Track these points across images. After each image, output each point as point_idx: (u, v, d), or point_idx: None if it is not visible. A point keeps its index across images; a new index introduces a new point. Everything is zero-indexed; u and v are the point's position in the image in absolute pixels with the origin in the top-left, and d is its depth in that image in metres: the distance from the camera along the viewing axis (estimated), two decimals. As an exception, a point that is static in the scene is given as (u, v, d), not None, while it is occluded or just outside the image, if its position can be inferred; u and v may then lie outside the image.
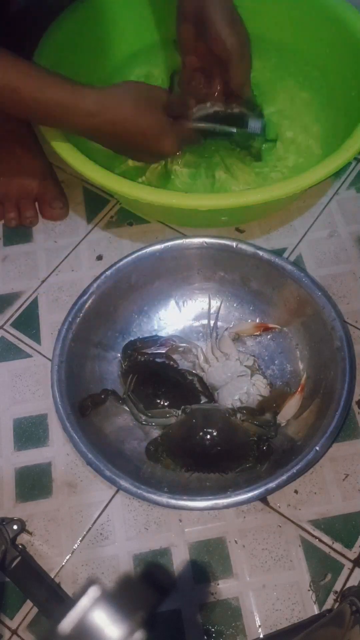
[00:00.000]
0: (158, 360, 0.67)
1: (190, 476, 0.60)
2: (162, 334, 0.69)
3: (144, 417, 0.62)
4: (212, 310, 0.70)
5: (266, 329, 0.67)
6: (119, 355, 0.67)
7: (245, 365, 0.65)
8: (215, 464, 0.60)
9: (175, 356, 0.68)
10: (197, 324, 0.71)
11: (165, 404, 0.63)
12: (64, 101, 0.61)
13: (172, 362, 0.67)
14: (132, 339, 0.68)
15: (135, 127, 0.65)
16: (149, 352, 0.67)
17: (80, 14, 0.79)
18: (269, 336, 0.69)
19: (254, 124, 0.74)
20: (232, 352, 0.66)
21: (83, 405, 0.61)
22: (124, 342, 0.69)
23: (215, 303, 0.71)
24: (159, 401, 0.63)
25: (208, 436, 0.59)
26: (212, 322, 0.69)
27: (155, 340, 0.68)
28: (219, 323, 0.70)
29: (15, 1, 0.75)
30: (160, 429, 0.63)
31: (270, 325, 0.67)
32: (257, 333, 0.68)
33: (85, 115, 0.62)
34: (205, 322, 0.70)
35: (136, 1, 0.84)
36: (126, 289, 0.68)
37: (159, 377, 0.65)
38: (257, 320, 0.70)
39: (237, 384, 0.64)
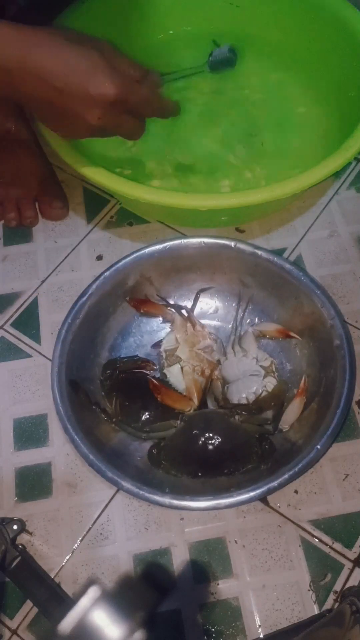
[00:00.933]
0: (136, 371, 0.66)
1: (196, 481, 0.60)
2: (162, 334, 0.69)
3: (143, 435, 0.62)
4: (240, 308, 0.70)
5: (287, 336, 0.67)
6: (108, 371, 0.66)
7: (260, 365, 0.65)
8: (221, 468, 0.60)
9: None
10: (196, 324, 0.71)
11: (156, 415, 0.62)
12: None
13: (150, 372, 0.66)
14: (112, 358, 0.67)
15: (51, 64, 0.50)
16: (126, 360, 0.67)
17: (79, 15, 0.79)
18: (267, 335, 0.68)
19: (217, 52, 0.80)
20: (251, 349, 0.66)
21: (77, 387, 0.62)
22: (123, 343, 0.69)
23: (214, 303, 0.71)
24: (148, 414, 0.62)
25: (211, 441, 0.59)
26: (239, 317, 0.69)
27: (135, 360, 0.67)
28: (217, 323, 0.70)
29: (15, 1, 0.75)
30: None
31: (292, 334, 0.66)
32: (278, 337, 0.68)
33: None
34: (204, 322, 0.70)
35: (136, 1, 0.84)
36: (126, 289, 0.68)
37: (142, 390, 0.63)
38: (257, 320, 0.70)
39: (247, 383, 0.64)
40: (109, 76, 0.52)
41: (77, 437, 0.58)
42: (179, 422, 0.61)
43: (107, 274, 0.66)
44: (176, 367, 0.65)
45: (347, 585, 0.58)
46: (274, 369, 0.65)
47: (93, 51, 0.52)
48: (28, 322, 0.74)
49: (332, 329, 0.62)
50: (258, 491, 0.55)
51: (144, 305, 0.69)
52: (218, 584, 0.58)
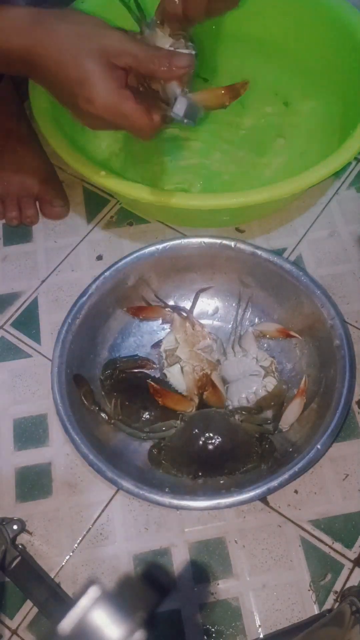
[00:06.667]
0: (136, 371, 0.66)
1: (196, 481, 0.60)
2: (162, 334, 0.69)
3: (143, 435, 0.62)
4: (240, 308, 0.70)
5: (288, 336, 0.67)
6: (107, 371, 0.66)
7: (261, 365, 0.65)
8: (221, 468, 0.60)
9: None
10: (196, 323, 0.71)
11: (156, 415, 0.62)
12: None
13: (150, 371, 0.67)
14: (112, 357, 0.68)
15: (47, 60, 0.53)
16: (126, 360, 0.67)
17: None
18: (267, 335, 0.68)
19: (178, 106, 0.55)
20: (251, 349, 0.66)
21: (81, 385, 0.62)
22: (123, 343, 0.69)
23: (214, 303, 0.71)
24: (148, 414, 0.62)
25: (211, 440, 0.59)
26: (239, 317, 0.69)
27: (135, 359, 0.67)
28: (217, 323, 0.70)
29: (15, 2, 0.75)
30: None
31: (292, 333, 0.66)
32: (278, 337, 0.68)
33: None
34: (204, 322, 0.70)
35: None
36: (126, 289, 0.68)
37: (142, 389, 0.63)
38: (257, 320, 0.70)
39: (247, 383, 0.64)
40: (94, 92, 0.52)
41: (77, 437, 0.58)
42: (179, 422, 0.61)
43: (107, 274, 0.66)
44: (176, 367, 0.65)
45: (347, 585, 0.58)
46: (274, 369, 0.65)
47: (88, 60, 0.52)
48: (28, 322, 0.73)
49: (332, 329, 0.62)
50: (258, 491, 0.55)
51: (142, 312, 0.69)
52: (218, 584, 0.58)
